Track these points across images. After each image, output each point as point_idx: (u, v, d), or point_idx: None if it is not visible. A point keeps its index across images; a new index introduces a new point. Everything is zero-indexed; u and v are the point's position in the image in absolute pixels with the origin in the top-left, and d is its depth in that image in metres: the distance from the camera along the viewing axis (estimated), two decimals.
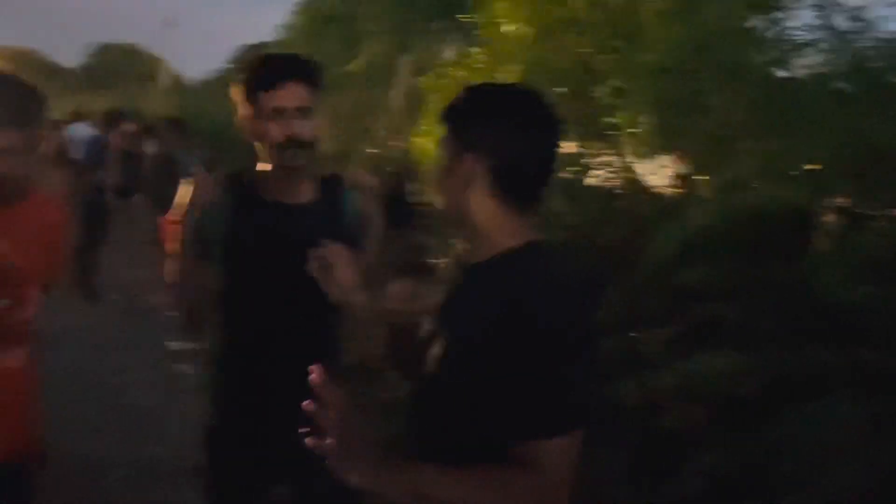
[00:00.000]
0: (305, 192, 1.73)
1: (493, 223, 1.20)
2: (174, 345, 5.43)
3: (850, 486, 1.68)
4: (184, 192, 1.74)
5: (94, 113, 11.55)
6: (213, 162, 7.67)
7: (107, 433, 3.97)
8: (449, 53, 7.61)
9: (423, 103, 5.20)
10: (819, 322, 1.97)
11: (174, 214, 1.75)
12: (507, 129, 1.19)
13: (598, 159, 3.58)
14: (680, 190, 3.24)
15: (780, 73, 3.30)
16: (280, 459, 1.68)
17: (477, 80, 4.00)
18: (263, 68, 1.66)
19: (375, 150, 7.94)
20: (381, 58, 7.74)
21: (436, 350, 1.19)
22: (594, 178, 3.63)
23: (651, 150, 3.22)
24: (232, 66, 14.91)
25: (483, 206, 1.20)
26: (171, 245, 1.73)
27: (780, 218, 2.56)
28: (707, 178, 3.07)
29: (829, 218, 2.69)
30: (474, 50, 4.07)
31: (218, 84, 14.88)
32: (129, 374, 4.83)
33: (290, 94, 1.63)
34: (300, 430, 1.27)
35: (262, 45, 12.49)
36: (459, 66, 4.46)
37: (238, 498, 1.75)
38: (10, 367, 1.71)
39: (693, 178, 3.21)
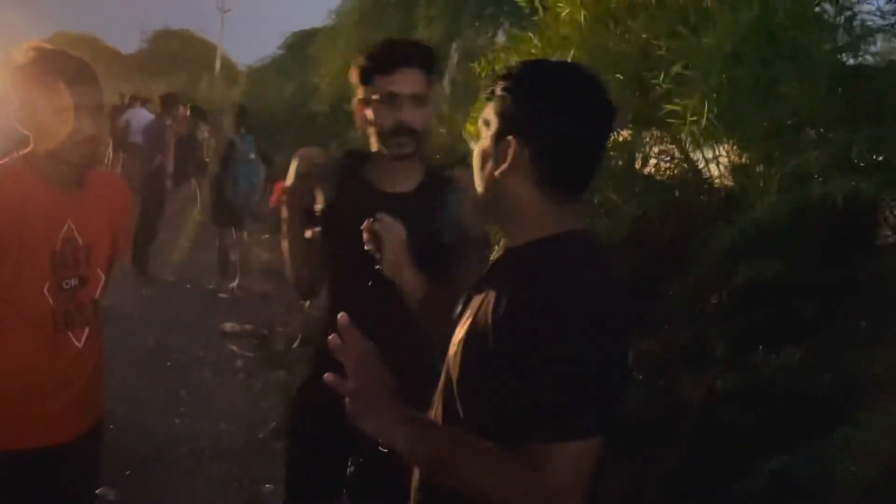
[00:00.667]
0: (409, 182, 1.71)
1: (532, 211, 1.12)
2: (227, 326, 5.54)
3: None
4: (295, 164, 1.74)
5: (153, 98, 11.81)
6: (267, 148, 7.77)
7: (172, 409, 4.08)
8: (503, 38, 7.53)
9: (474, 89, 5.16)
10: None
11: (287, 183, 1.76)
12: (556, 111, 1.10)
13: (656, 148, 3.49)
14: (740, 181, 3.15)
15: (851, 61, 3.17)
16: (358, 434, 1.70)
17: None
18: (382, 52, 1.65)
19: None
20: (435, 43, 7.71)
21: (457, 337, 1.14)
22: (651, 168, 3.55)
23: (712, 138, 3.12)
24: (283, 51, 15.00)
25: (523, 191, 1.12)
26: (283, 213, 1.75)
27: (848, 212, 2.46)
28: (768, 168, 2.97)
29: None
30: (528, 34, 4.00)
31: (270, 70, 15.03)
32: (187, 352, 4.95)
33: (406, 80, 1.61)
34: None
35: (314, 31, 12.58)
36: (513, 50, 4.39)
37: (318, 467, 1.77)
38: (78, 345, 1.75)
39: (756, 168, 3.11)
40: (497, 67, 4.59)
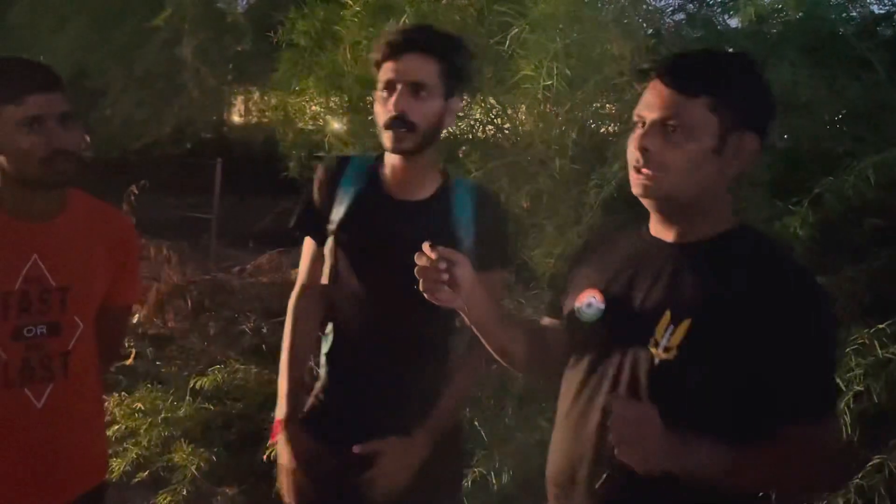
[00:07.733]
0: (425, 189, 1.62)
1: (723, 204, 1.21)
2: None
3: None
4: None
5: None
6: None
7: None
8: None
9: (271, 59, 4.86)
10: None
11: None
12: (772, 103, 1.21)
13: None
14: None
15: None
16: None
17: (358, 36, 3.82)
18: (388, 38, 1.55)
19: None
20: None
21: (673, 333, 1.14)
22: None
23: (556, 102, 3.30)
24: None
25: (724, 184, 1.19)
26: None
27: None
28: None
29: None
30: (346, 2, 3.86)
31: None
32: None
33: (407, 67, 1.52)
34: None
35: None
36: (313, 16, 4.20)
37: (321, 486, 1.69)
38: (37, 404, 1.45)
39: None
40: (295, 35, 4.37)
